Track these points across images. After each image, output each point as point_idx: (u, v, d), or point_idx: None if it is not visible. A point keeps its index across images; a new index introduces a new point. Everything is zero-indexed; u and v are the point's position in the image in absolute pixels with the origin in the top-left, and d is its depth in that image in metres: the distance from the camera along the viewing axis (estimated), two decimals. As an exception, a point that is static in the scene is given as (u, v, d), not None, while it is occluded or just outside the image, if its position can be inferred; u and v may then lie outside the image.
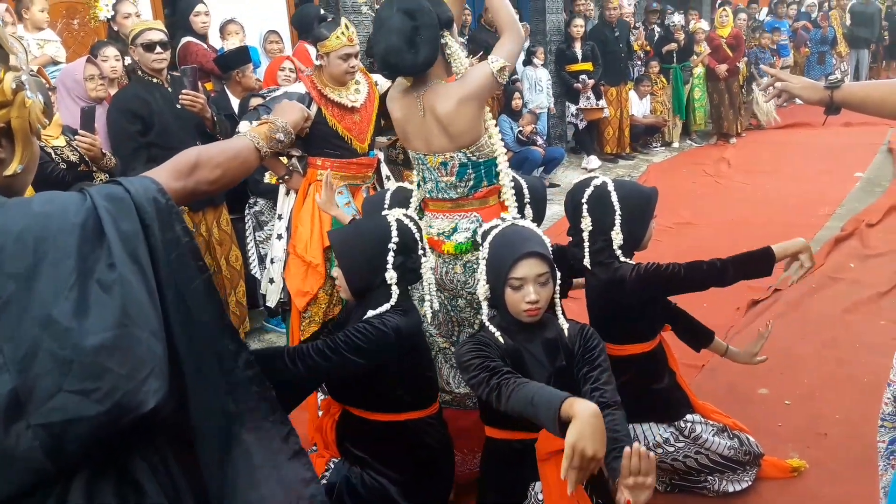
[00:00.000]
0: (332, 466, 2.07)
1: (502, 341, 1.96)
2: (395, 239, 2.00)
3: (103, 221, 1.10)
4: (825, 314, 3.81)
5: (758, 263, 2.30)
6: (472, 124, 2.25)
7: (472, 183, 2.34)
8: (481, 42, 6.66)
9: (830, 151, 7.98)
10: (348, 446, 2.08)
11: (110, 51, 3.92)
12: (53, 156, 3.01)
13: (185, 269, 1.18)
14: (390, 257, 1.99)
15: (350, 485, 2.00)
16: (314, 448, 2.17)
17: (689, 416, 2.39)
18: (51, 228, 1.06)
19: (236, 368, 1.22)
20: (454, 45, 2.25)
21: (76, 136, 3.07)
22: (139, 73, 3.55)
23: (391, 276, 1.99)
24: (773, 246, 2.29)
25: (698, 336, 2.60)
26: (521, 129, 7.22)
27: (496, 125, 2.38)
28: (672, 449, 2.37)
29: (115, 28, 4.66)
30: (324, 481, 2.03)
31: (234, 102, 4.32)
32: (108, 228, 1.09)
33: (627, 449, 1.53)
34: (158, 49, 3.45)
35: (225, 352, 1.21)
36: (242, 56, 4.37)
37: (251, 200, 4.18)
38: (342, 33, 3.06)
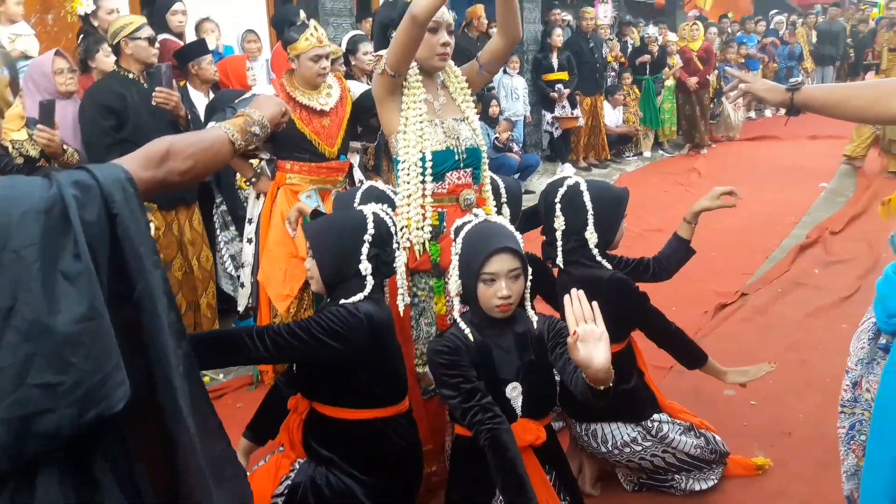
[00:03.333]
0: (297, 467, 2.03)
1: (472, 339, 1.97)
2: (370, 230, 2.00)
3: (69, 209, 1.05)
4: (789, 318, 3.89)
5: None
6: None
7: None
8: (462, 49, 6.69)
9: (796, 163, 8.17)
10: (315, 446, 2.05)
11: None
12: (11, 150, 2.93)
13: (151, 260, 1.15)
14: (365, 248, 1.99)
15: (315, 485, 1.97)
16: (281, 448, 2.13)
17: (656, 416, 2.42)
18: (12, 214, 1.01)
19: (177, 363, 1.18)
20: None
21: (34, 130, 2.98)
22: (115, 68, 3.54)
23: (365, 266, 1.99)
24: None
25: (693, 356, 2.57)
26: (497, 135, 7.27)
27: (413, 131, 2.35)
28: (640, 448, 2.40)
29: (96, 24, 4.60)
30: (288, 482, 2.00)
31: (194, 94, 4.26)
32: (73, 217, 1.05)
33: (567, 297, 1.49)
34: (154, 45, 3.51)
35: (169, 344, 1.17)
36: (199, 48, 4.35)
37: (217, 200, 4.12)
38: (311, 34, 3.03)
